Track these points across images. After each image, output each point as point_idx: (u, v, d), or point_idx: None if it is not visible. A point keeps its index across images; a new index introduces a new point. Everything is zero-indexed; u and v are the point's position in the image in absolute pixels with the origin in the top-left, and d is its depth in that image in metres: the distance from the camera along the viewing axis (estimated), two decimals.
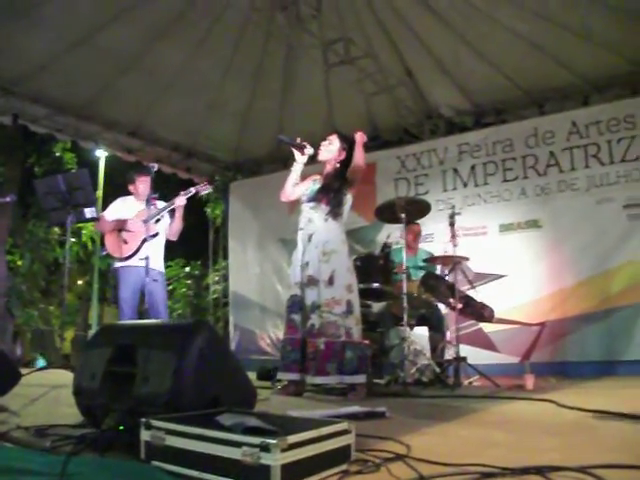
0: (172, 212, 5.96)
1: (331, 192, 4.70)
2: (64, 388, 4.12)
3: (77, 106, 7.88)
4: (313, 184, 4.86)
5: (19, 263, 16.37)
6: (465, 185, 7.92)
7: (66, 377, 4.81)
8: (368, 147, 8.66)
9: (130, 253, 5.77)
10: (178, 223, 5.99)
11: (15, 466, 2.09)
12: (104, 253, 6.09)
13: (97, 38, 6.80)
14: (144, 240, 5.67)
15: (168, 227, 6.05)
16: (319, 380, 4.42)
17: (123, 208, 5.96)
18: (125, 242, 5.79)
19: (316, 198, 4.73)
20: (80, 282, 19.39)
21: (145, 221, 5.69)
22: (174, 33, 7.07)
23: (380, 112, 8.49)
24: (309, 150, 4.78)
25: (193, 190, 5.95)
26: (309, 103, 8.33)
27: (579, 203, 7.11)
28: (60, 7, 6.26)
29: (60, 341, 15.58)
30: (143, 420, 1.86)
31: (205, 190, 6.13)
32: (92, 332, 18.80)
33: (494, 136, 7.82)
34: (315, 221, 4.68)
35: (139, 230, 5.74)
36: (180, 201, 5.84)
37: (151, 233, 5.69)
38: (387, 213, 5.95)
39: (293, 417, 2.12)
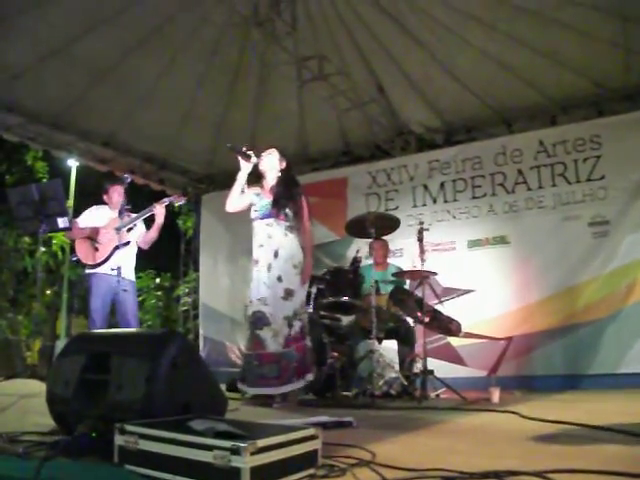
0: (147, 221, 5.97)
1: (284, 208, 4.84)
2: (33, 397, 4.14)
3: (51, 115, 7.85)
4: (258, 198, 4.96)
5: None
6: (435, 201, 8.03)
7: (34, 387, 4.81)
8: (340, 162, 8.95)
9: (101, 260, 5.76)
10: (154, 232, 6.01)
11: None
12: (74, 259, 6.08)
13: (72, 48, 6.80)
14: (116, 247, 5.70)
15: (142, 235, 6.06)
16: (309, 377, 4.66)
17: (96, 216, 5.97)
18: (96, 249, 5.78)
19: (270, 214, 4.84)
20: (49, 292, 19.21)
21: (117, 229, 5.72)
22: (150, 45, 7.08)
23: (352, 128, 8.59)
24: (254, 159, 4.91)
25: (167, 200, 5.97)
26: (282, 117, 8.40)
27: (546, 220, 7.26)
28: (35, 17, 6.25)
29: (26, 351, 15.40)
30: (117, 425, 1.92)
31: (179, 201, 6.13)
32: (59, 342, 18.62)
33: (464, 153, 7.95)
34: (275, 237, 4.81)
35: (111, 238, 5.76)
36: (160, 209, 5.84)
37: (123, 241, 5.72)
38: (357, 228, 6.06)
39: (262, 423, 2.18)
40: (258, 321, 4.69)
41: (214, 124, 8.66)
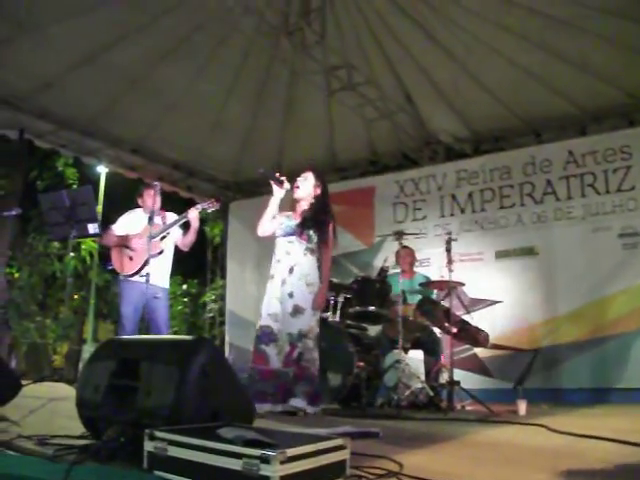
0: (186, 225, 5.96)
1: (308, 229, 4.83)
2: (61, 401, 4.18)
3: (82, 123, 7.97)
4: (287, 219, 4.96)
5: (16, 275, 16.41)
6: (462, 211, 8.00)
7: (62, 390, 4.86)
8: (368, 171, 8.95)
9: (133, 271, 5.75)
10: (192, 235, 5.99)
11: (19, 473, 2.15)
12: (109, 268, 6.05)
13: (104, 57, 6.91)
14: (148, 258, 5.63)
15: (179, 239, 6.04)
16: (292, 402, 4.54)
17: (131, 222, 5.96)
18: (130, 259, 5.76)
19: (294, 232, 4.84)
20: (76, 296, 19.42)
21: (150, 238, 5.68)
22: (180, 54, 7.17)
23: (380, 137, 8.59)
24: (287, 185, 4.91)
25: (200, 206, 5.93)
26: (310, 127, 8.45)
27: (575, 231, 7.19)
28: (69, 27, 6.37)
29: (53, 355, 15.58)
30: (147, 431, 1.93)
31: (213, 207, 6.05)
32: (86, 347, 18.80)
33: (492, 163, 7.92)
34: (294, 254, 4.79)
35: (143, 247, 5.70)
36: (193, 214, 5.81)
37: (155, 252, 5.69)
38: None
39: (290, 432, 2.18)
40: (264, 336, 4.67)
41: (242, 133, 8.73)
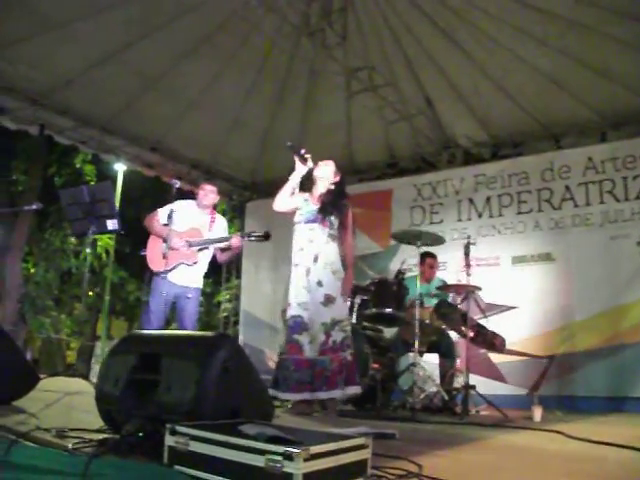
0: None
1: (329, 215, 4.85)
2: (77, 395, 4.22)
3: (102, 120, 8.01)
4: (305, 203, 4.96)
5: (32, 271, 16.54)
6: (480, 216, 7.97)
7: (77, 384, 4.90)
8: (385, 174, 8.93)
9: (166, 269, 5.56)
10: (229, 257, 5.96)
11: (39, 465, 2.16)
12: (142, 254, 5.84)
13: (125, 55, 6.96)
14: (181, 263, 5.64)
15: (218, 253, 5.94)
16: (352, 390, 4.60)
17: (180, 212, 5.71)
18: (164, 257, 5.49)
19: (315, 219, 4.84)
20: (90, 293, 19.55)
21: (191, 245, 5.65)
22: (200, 53, 7.21)
23: (398, 140, 8.59)
24: (310, 163, 4.91)
25: (247, 238, 5.73)
26: (329, 128, 8.43)
27: (593, 238, 7.13)
28: (91, 24, 6.42)
29: (66, 350, 15.68)
30: (168, 426, 1.93)
31: (261, 240, 5.74)
32: (99, 343, 18.90)
33: (510, 168, 7.88)
34: (316, 241, 4.79)
35: (180, 251, 5.63)
36: (237, 242, 5.68)
37: (190, 261, 5.65)
38: (404, 237, 6.07)
39: (311, 430, 2.18)
40: (297, 326, 4.67)
41: (261, 132, 8.75)
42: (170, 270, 5.61)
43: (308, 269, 4.74)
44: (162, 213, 5.74)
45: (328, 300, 4.66)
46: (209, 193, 5.98)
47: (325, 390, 4.54)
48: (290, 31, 6.77)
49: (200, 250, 5.76)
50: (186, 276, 5.65)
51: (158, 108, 7.94)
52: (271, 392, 4.68)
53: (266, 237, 5.60)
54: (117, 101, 7.76)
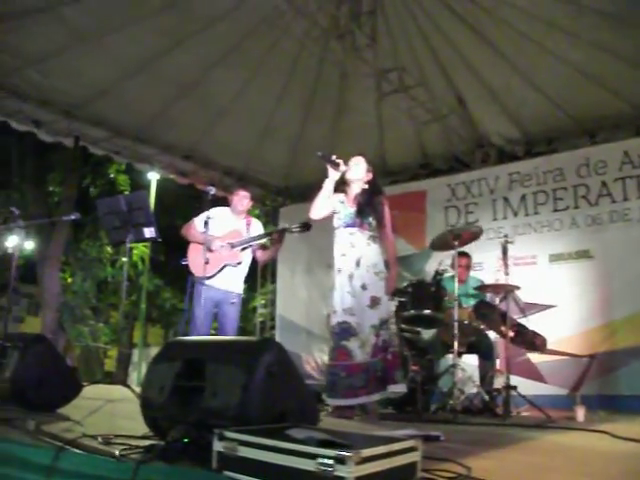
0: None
1: (367, 217, 4.87)
2: (118, 402, 4.26)
3: (134, 129, 8.11)
4: (342, 206, 4.98)
5: (69, 280, 16.79)
6: (515, 214, 7.89)
7: (118, 392, 4.95)
8: (419, 175, 8.89)
9: (209, 275, 5.62)
10: (273, 253, 6.04)
11: (87, 472, 2.18)
12: (184, 263, 5.89)
13: (156, 65, 7.05)
14: (225, 265, 5.69)
15: (258, 253, 5.99)
16: (392, 388, 4.59)
17: (216, 219, 5.75)
18: (207, 262, 5.50)
19: (354, 223, 4.87)
20: (127, 301, 19.78)
21: (233, 246, 5.68)
22: (230, 60, 7.25)
23: (431, 140, 8.54)
24: (342, 167, 4.91)
25: (289, 228, 5.78)
26: (360, 130, 8.41)
27: (632, 234, 7.00)
28: (126, 36, 6.53)
29: (104, 358, 15.88)
30: (216, 431, 1.93)
31: (298, 231, 5.77)
32: (136, 351, 19.12)
33: (545, 165, 7.78)
34: (358, 246, 4.81)
35: (223, 253, 5.69)
36: (278, 236, 5.78)
37: (234, 261, 5.70)
38: (441, 243, 6.02)
39: (360, 434, 2.17)
40: (344, 332, 4.66)
41: (292, 137, 8.77)
42: (215, 275, 5.67)
43: (351, 274, 4.76)
44: (198, 221, 5.76)
45: (374, 302, 4.67)
46: (243, 198, 6.02)
47: (380, 391, 4.56)
48: (319, 34, 6.76)
49: (243, 249, 5.79)
50: (230, 280, 5.68)
51: (190, 116, 8.02)
52: (326, 399, 4.72)
53: (307, 227, 5.58)
54: (149, 110, 7.86)
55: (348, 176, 4.96)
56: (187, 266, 5.83)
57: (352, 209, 4.92)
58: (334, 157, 4.91)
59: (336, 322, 4.74)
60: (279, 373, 2.27)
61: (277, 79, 7.72)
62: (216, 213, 5.84)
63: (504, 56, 7.01)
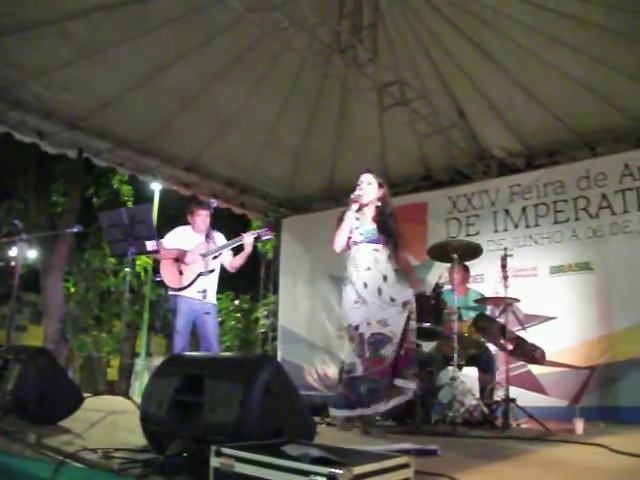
0: (238, 247, 6.04)
1: (389, 237, 5.03)
2: (120, 414, 4.29)
3: (138, 141, 8.18)
4: (359, 222, 5.05)
5: (72, 290, 16.82)
6: (516, 226, 7.91)
7: (120, 403, 4.98)
8: (420, 187, 8.92)
9: (185, 285, 5.89)
10: (242, 259, 6.10)
11: None
12: (158, 279, 6.14)
13: (160, 77, 7.12)
14: (200, 274, 5.81)
15: (228, 261, 6.16)
16: (400, 383, 4.67)
17: (182, 238, 6.11)
18: (181, 273, 5.90)
19: (378, 240, 4.99)
20: (129, 311, 19.81)
21: (204, 255, 5.82)
22: (233, 73, 7.32)
23: (432, 153, 8.58)
24: (360, 200, 5.02)
25: (256, 233, 6.05)
26: (362, 143, 8.48)
27: (632, 246, 7.01)
28: (127, 49, 6.59)
29: (107, 367, 15.89)
30: (213, 447, 1.96)
31: (267, 235, 6.25)
32: (139, 361, 19.12)
33: (545, 178, 7.81)
34: (382, 262, 4.96)
35: (196, 263, 5.87)
36: (249, 239, 5.91)
37: (208, 269, 5.80)
38: (440, 252, 6.06)
39: (354, 449, 2.20)
40: (379, 342, 4.73)
41: (295, 149, 8.83)
42: (190, 285, 5.87)
43: (379, 288, 4.86)
44: (165, 241, 6.09)
45: (404, 305, 4.81)
46: (206, 218, 6.12)
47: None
48: (321, 49, 6.81)
49: (214, 258, 5.98)
50: (204, 290, 5.72)
51: (193, 128, 8.08)
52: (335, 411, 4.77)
53: (271, 229, 6.12)
54: (152, 122, 7.93)
55: (364, 201, 5.06)
56: (162, 282, 6.06)
57: (372, 226, 5.04)
58: (354, 195, 5.01)
59: (371, 333, 4.78)
60: (277, 390, 2.31)
61: (279, 92, 7.78)
62: (182, 232, 6.20)
63: (505, 69, 7.05)
